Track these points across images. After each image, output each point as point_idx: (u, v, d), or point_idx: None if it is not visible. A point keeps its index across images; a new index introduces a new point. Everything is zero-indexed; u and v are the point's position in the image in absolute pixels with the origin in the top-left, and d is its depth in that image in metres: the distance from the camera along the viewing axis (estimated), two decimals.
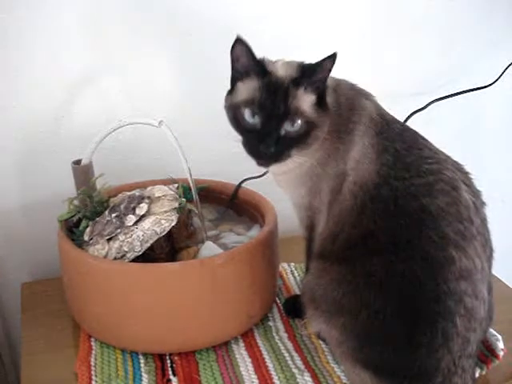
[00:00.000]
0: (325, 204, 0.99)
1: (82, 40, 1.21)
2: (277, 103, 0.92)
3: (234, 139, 0.97)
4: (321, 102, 0.95)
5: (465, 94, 1.40)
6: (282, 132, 0.92)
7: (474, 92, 1.40)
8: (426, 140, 0.98)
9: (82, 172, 1.12)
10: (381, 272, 0.87)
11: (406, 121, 1.30)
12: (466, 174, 0.96)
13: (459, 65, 1.49)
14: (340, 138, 0.96)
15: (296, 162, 0.97)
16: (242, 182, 1.25)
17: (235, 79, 0.97)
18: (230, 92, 0.98)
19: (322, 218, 1.00)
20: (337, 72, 1.01)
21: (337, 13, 1.37)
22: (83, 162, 1.12)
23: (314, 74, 0.93)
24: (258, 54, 0.95)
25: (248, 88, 0.94)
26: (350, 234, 0.93)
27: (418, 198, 0.89)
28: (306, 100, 0.93)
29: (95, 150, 1.11)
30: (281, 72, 0.94)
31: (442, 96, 1.37)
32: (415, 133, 0.99)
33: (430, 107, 1.34)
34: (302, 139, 0.93)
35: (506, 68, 1.40)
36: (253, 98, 0.93)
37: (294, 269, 1.29)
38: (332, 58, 0.91)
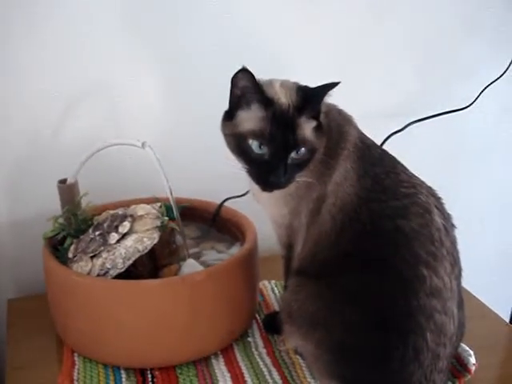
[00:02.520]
0: (303, 225, 1.02)
1: (68, 63, 1.25)
2: (286, 135, 0.93)
3: (228, 160, 0.99)
4: (318, 126, 0.97)
5: (442, 116, 1.43)
6: (289, 161, 0.94)
7: (452, 114, 1.44)
8: (403, 165, 1.02)
9: (68, 191, 1.15)
10: (356, 288, 0.90)
11: (384, 142, 1.33)
12: (438, 198, 1.00)
13: (437, 87, 1.53)
14: (326, 162, 0.99)
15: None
16: (225, 201, 1.28)
17: (235, 106, 0.97)
18: (229, 118, 0.98)
19: (300, 238, 1.03)
20: None
21: (316, 35, 1.41)
22: (68, 182, 1.15)
23: (314, 101, 0.95)
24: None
25: (252, 118, 0.95)
26: (328, 253, 0.96)
27: (393, 219, 0.92)
28: (308, 127, 0.95)
29: (80, 169, 1.14)
30: (283, 99, 0.94)
31: (420, 118, 1.40)
32: (394, 158, 1.03)
33: (408, 128, 1.38)
34: (305, 164, 0.96)
35: (482, 91, 1.44)
36: (260, 130, 0.93)
37: (274, 286, 1.32)
38: (332, 85, 0.94)
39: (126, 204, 1.20)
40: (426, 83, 1.52)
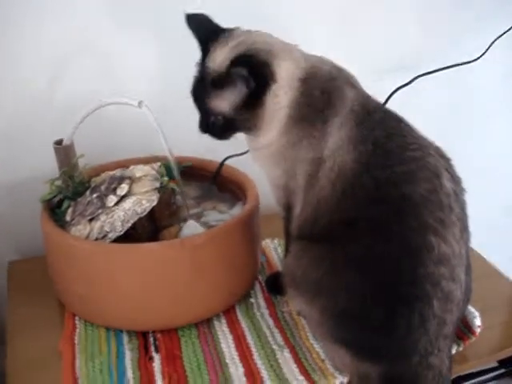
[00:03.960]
0: (301, 187, 0.96)
1: (59, 21, 1.18)
2: (199, 99, 0.96)
3: None
4: (254, 99, 0.92)
5: (450, 69, 1.36)
6: (211, 120, 0.96)
7: (460, 67, 1.36)
8: (410, 126, 0.94)
9: (64, 152, 1.10)
10: (360, 255, 0.85)
11: (390, 97, 1.26)
12: (448, 160, 0.93)
13: (445, 39, 1.45)
14: (313, 126, 0.93)
15: (258, 142, 0.98)
16: (225, 159, 1.23)
17: None
18: None
19: (298, 200, 0.98)
20: (320, 49, 0.99)
21: None
22: (64, 143, 1.10)
23: (240, 73, 0.90)
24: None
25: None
26: (329, 219, 0.91)
27: (399, 185, 0.86)
28: (226, 99, 0.93)
29: (76, 130, 1.09)
30: (213, 62, 0.93)
31: (427, 71, 1.32)
32: (399, 119, 0.95)
33: (414, 82, 1.30)
34: (234, 128, 0.96)
35: (492, 42, 1.35)
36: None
37: (277, 245, 1.27)
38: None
39: (125, 164, 1.16)
40: (433, 35, 1.45)
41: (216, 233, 1.01)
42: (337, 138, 0.92)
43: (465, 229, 0.89)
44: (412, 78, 1.30)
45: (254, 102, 0.92)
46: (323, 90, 0.94)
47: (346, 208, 0.89)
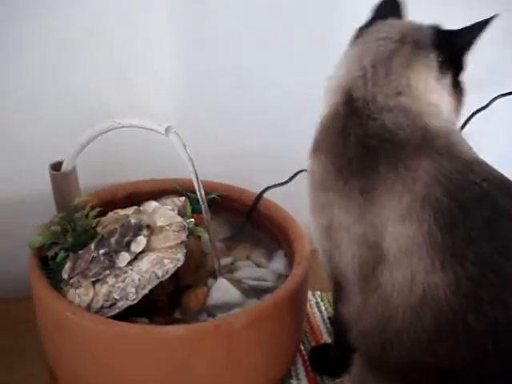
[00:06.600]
0: (351, 272, 0.66)
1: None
2: None
3: None
4: None
5: None
6: None
7: None
8: None
9: (63, 180, 0.83)
10: None
11: (467, 122, 1.00)
12: None
13: None
14: (342, 179, 0.66)
15: None
16: (265, 190, 0.96)
17: None
18: None
19: (350, 289, 0.68)
20: None
21: None
22: (64, 169, 0.82)
23: None
24: None
25: None
26: (410, 353, 0.61)
27: None
28: None
29: (79, 153, 0.82)
30: None
31: (509, 91, 1.05)
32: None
33: (494, 104, 1.04)
34: None
35: None
36: None
37: (319, 299, 1.00)
38: None
39: (136, 188, 0.95)
40: None
41: (260, 312, 0.74)
42: (401, 234, 0.61)
43: None
44: (491, 98, 1.03)
45: None
46: (361, 143, 0.66)
47: (440, 351, 0.59)
